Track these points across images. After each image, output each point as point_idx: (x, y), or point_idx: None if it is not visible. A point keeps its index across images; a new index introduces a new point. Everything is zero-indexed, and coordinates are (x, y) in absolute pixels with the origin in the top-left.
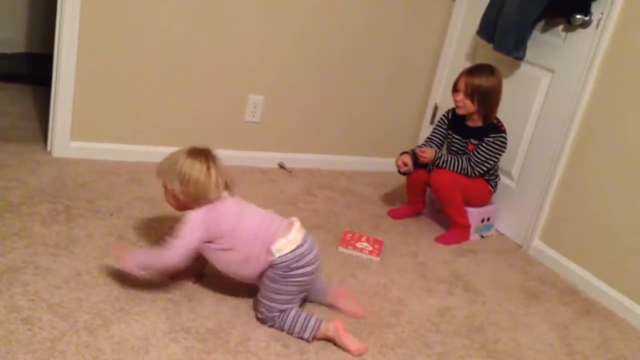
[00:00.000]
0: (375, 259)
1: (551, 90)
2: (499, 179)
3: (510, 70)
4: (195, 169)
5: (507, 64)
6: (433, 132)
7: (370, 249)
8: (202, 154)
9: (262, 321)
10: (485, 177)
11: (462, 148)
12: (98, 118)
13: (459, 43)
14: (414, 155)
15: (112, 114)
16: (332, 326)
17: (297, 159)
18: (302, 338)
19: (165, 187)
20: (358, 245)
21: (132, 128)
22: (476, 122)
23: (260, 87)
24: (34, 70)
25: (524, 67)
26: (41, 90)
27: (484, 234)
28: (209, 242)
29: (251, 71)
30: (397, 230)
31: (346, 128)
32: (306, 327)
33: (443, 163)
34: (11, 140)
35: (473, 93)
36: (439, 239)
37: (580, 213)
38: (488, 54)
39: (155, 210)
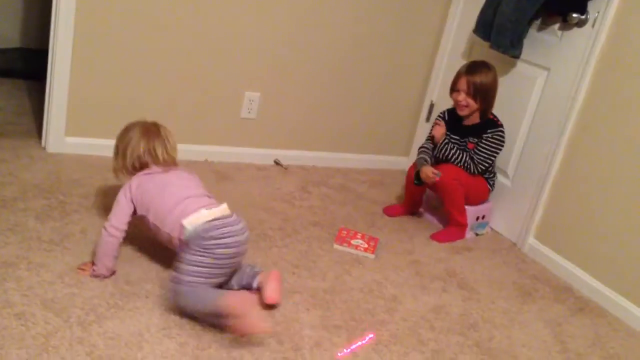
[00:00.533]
0: (370, 256)
1: (547, 88)
2: (497, 177)
3: (507, 69)
4: (131, 139)
5: (504, 62)
6: (431, 134)
7: (365, 246)
8: (150, 127)
9: (169, 289)
10: (485, 176)
11: (461, 147)
12: (93, 113)
13: (455, 41)
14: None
15: (107, 109)
16: (233, 301)
17: (293, 156)
18: (199, 311)
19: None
20: (353, 242)
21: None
22: (473, 120)
23: (256, 83)
24: (29, 66)
25: (520, 65)
26: (36, 85)
27: (479, 232)
28: (142, 211)
29: (248, 68)
30: (392, 227)
31: (342, 125)
32: (206, 301)
33: (450, 155)
34: (5, 136)
35: (476, 92)
36: (434, 237)
37: (575, 211)
38: (484, 52)
39: None
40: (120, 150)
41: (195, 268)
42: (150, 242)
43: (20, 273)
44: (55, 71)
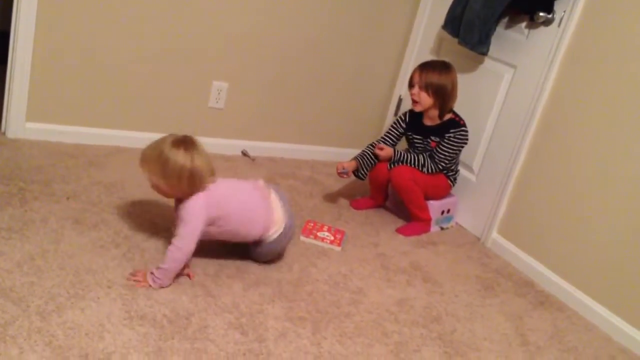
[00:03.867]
0: (336, 248)
1: (513, 85)
2: (459, 173)
3: (474, 65)
4: (180, 161)
5: (472, 58)
6: (388, 132)
7: (332, 238)
8: (186, 144)
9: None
10: (444, 172)
11: (424, 147)
12: (55, 99)
13: (424, 36)
14: (369, 157)
15: (70, 95)
16: None
17: (260, 147)
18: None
19: (150, 179)
20: (319, 234)
21: (91, 110)
22: (434, 120)
23: (225, 73)
24: None
25: (488, 62)
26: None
27: (444, 226)
28: (210, 225)
29: (216, 57)
30: (358, 220)
31: (311, 118)
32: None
33: (403, 161)
34: None
35: (428, 86)
36: (399, 230)
37: (537, 207)
38: (453, 49)
39: (113, 194)
40: (179, 173)
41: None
42: (114, 232)
43: None
44: (17, 54)
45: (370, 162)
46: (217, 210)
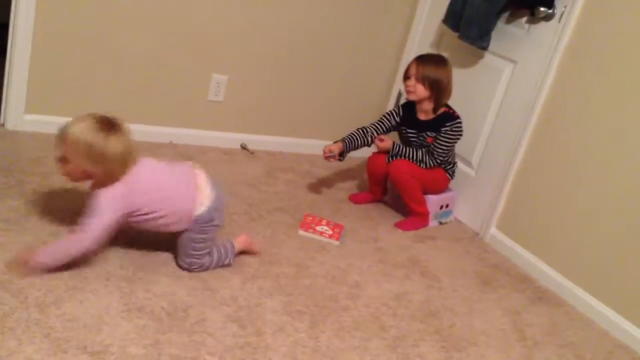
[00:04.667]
0: (334, 242)
1: (513, 80)
2: (457, 166)
3: (474, 60)
4: (108, 145)
5: (472, 53)
6: (380, 121)
7: (330, 232)
8: (112, 126)
9: (190, 270)
10: (443, 166)
11: (419, 142)
12: (55, 91)
13: (424, 31)
14: (356, 140)
15: (69, 87)
16: (242, 240)
17: (259, 141)
18: (225, 265)
19: (65, 158)
20: (318, 228)
21: (90, 102)
22: (428, 115)
23: (224, 66)
24: None
25: (488, 57)
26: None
27: (443, 221)
28: (131, 213)
29: (216, 50)
30: (357, 215)
31: (310, 111)
32: (227, 254)
33: (402, 154)
34: None
35: (424, 78)
36: (398, 225)
37: (536, 203)
38: (453, 43)
39: None
40: (98, 155)
41: (208, 243)
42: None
43: None
44: (16, 45)
45: (357, 144)
46: (136, 200)
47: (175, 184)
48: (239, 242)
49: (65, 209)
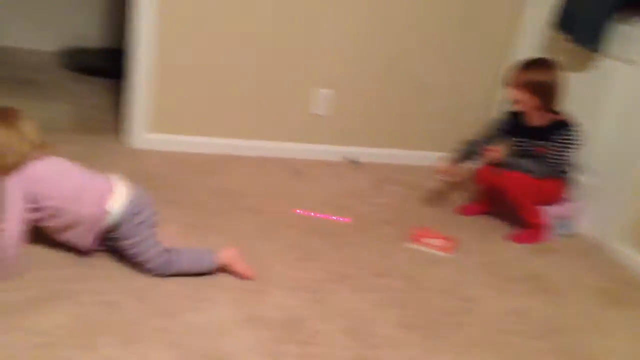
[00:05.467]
0: (446, 255)
1: (631, 82)
2: (575, 177)
3: (588, 63)
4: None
5: (585, 56)
6: (488, 130)
7: (442, 245)
8: (5, 116)
9: (162, 274)
10: (558, 175)
11: (529, 151)
12: (174, 111)
13: (530, 35)
14: (460, 158)
15: (187, 106)
16: (227, 254)
17: (365, 153)
18: (204, 273)
19: None
20: (429, 241)
21: (205, 120)
22: (539, 121)
23: (329, 80)
24: (113, 64)
25: (603, 59)
26: (121, 83)
27: (562, 233)
28: (35, 209)
29: (320, 64)
30: (468, 227)
31: (415, 122)
32: (202, 260)
33: (514, 165)
34: (91, 132)
35: (526, 86)
36: (512, 237)
37: None
38: (562, 47)
39: (226, 201)
40: None
41: (151, 240)
42: (231, 237)
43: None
44: (137, 69)
45: (467, 159)
46: (34, 184)
47: (79, 183)
48: (223, 256)
49: (187, 223)
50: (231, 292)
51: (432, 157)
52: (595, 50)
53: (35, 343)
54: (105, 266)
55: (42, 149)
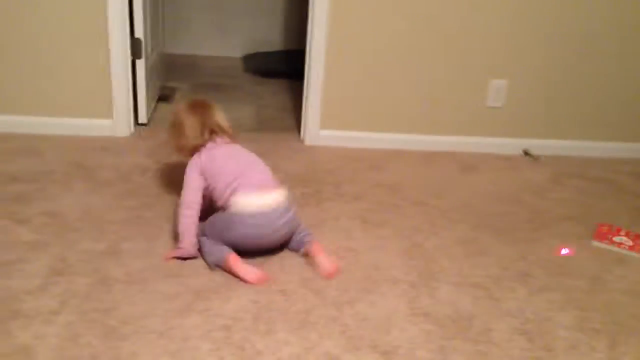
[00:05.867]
0: (635, 255)
1: None
2: None
3: None
4: (186, 121)
5: None
6: None
7: (630, 244)
8: (195, 106)
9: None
10: None
11: None
12: (344, 108)
13: None
14: None
15: (357, 103)
16: (234, 259)
17: (543, 145)
18: (207, 262)
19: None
20: (615, 239)
21: (373, 116)
22: None
23: (503, 70)
24: (291, 66)
25: None
26: (297, 84)
27: None
28: (205, 188)
29: (494, 55)
30: None
31: (598, 110)
32: (213, 253)
33: None
34: (271, 130)
35: None
36: None
37: None
38: None
39: (395, 195)
40: (178, 129)
41: (220, 233)
42: (397, 231)
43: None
44: (312, 70)
45: None
46: (208, 164)
47: (239, 168)
48: (231, 259)
49: (355, 217)
50: (400, 286)
51: (619, 148)
52: None
53: (220, 325)
54: (280, 256)
55: (227, 135)
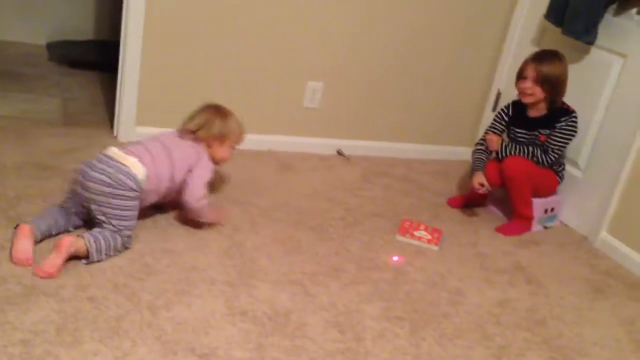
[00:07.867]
0: (433, 248)
1: (623, 76)
2: (566, 169)
3: (580, 55)
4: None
5: (576, 48)
6: (492, 125)
7: (429, 237)
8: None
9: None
10: (554, 167)
11: (530, 141)
12: (162, 104)
13: (524, 27)
14: (484, 165)
15: (175, 100)
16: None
17: (355, 146)
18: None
19: None
20: (416, 233)
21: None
22: (540, 111)
23: (319, 73)
24: (102, 57)
25: (594, 51)
26: (109, 76)
27: (548, 225)
28: None
29: (311, 57)
30: (456, 219)
31: (406, 115)
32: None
33: (512, 152)
34: (80, 125)
35: (543, 81)
36: (499, 229)
37: None
38: (556, 39)
39: (215, 194)
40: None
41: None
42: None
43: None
44: (126, 62)
45: (486, 161)
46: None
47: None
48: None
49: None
50: (217, 286)
51: (422, 150)
52: (586, 42)
53: (17, 339)
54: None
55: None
